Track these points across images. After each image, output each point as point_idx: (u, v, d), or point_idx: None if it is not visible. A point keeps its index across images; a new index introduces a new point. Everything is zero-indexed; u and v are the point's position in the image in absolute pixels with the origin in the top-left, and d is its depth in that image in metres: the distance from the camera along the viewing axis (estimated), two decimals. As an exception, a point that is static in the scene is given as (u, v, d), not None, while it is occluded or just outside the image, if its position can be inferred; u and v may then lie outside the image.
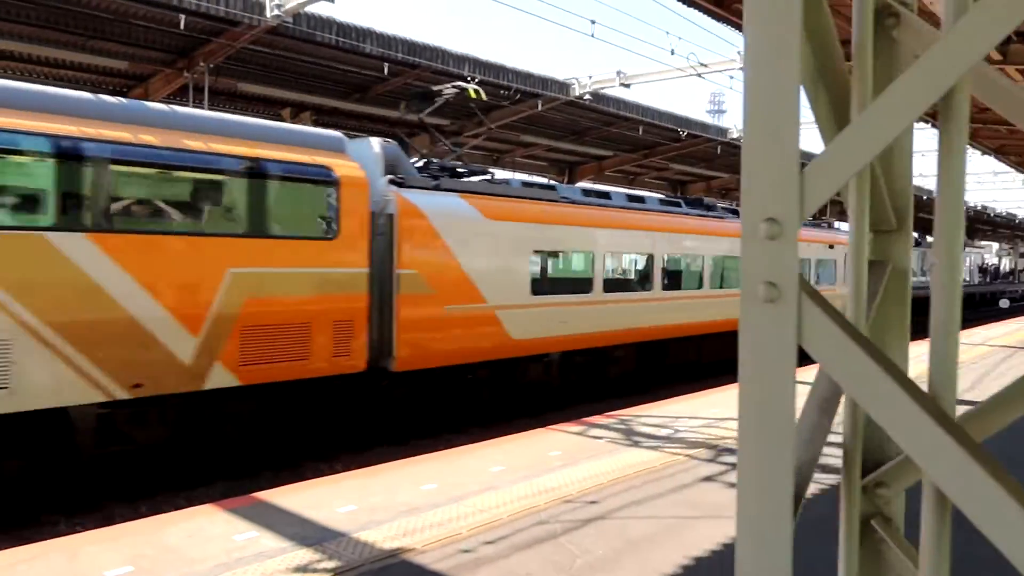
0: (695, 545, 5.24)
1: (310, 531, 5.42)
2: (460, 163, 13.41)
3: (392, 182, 10.62)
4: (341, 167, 9.73)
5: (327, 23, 14.32)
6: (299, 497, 6.17)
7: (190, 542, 5.20)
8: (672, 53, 13.94)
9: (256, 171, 8.94)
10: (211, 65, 15.11)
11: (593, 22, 12.34)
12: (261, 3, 13.16)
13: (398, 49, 15.36)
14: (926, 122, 18.90)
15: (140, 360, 7.97)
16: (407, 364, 10.49)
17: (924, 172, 34.49)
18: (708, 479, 6.79)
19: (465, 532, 5.41)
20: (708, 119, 28.38)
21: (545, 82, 18.33)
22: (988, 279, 50.66)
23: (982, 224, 45.43)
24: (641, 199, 15.75)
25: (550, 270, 13.21)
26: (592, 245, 13.55)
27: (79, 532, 8.25)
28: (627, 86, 18.27)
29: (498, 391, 12.31)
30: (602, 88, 18.66)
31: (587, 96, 18.64)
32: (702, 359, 16.44)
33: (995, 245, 61.10)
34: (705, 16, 11.44)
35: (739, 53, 16.68)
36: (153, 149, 8.04)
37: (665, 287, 15.14)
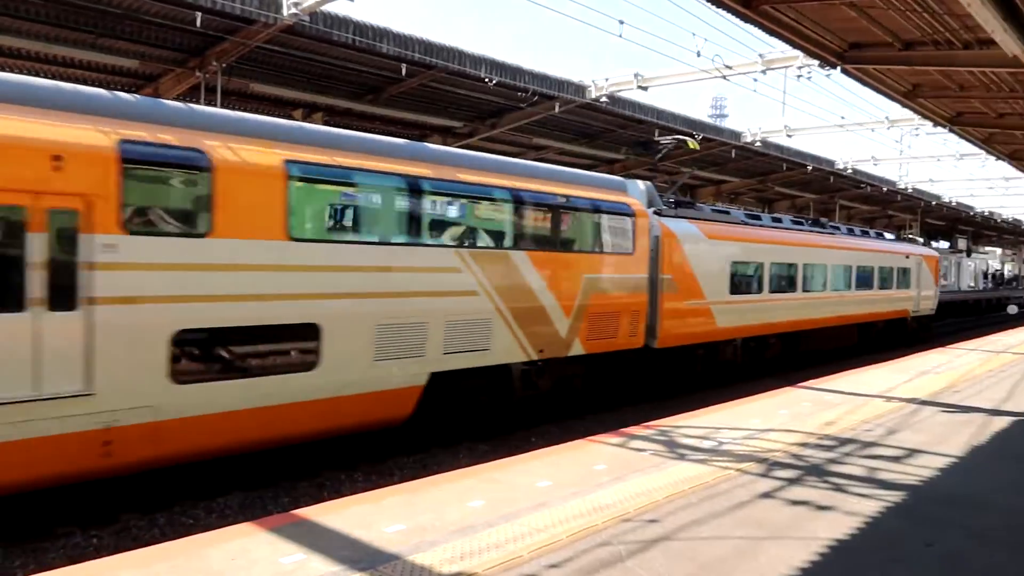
0: (772, 570, 4.93)
1: (360, 553, 5.10)
2: (678, 196, 17.38)
3: (656, 212, 14.48)
4: (634, 203, 13.64)
5: (343, 22, 14.00)
6: (342, 515, 5.83)
7: (234, 566, 4.87)
8: (699, 55, 13.66)
9: (595, 208, 12.71)
10: (224, 65, 14.80)
11: (622, 22, 12.08)
12: (278, 1, 12.84)
13: (415, 49, 15.05)
14: (943, 126, 18.67)
15: (543, 334, 11.64)
16: (664, 343, 14.15)
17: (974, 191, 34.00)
18: (767, 496, 6.48)
19: (526, 555, 5.09)
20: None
21: (561, 84, 18.04)
22: (993, 285, 50.51)
23: (988, 230, 45.23)
24: (779, 219, 19.83)
25: (739, 276, 16.68)
26: (763, 257, 17.52)
27: (95, 544, 8.00)
28: (644, 88, 17.99)
29: (708, 366, 16.02)
30: (619, 91, 18.38)
31: (603, 99, 18.35)
32: (823, 348, 20.62)
33: (998, 251, 61.03)
34: (734, 18, 11.16)
35: (760, 56, 16.44)
36: (550, 196, 11.97)
37: (803, 290, 19.09)
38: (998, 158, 23.67)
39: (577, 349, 12.26)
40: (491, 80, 16.09)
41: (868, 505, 6.24)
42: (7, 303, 6.71)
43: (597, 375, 13.27)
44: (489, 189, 11.02)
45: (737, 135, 23.41)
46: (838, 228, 22.88)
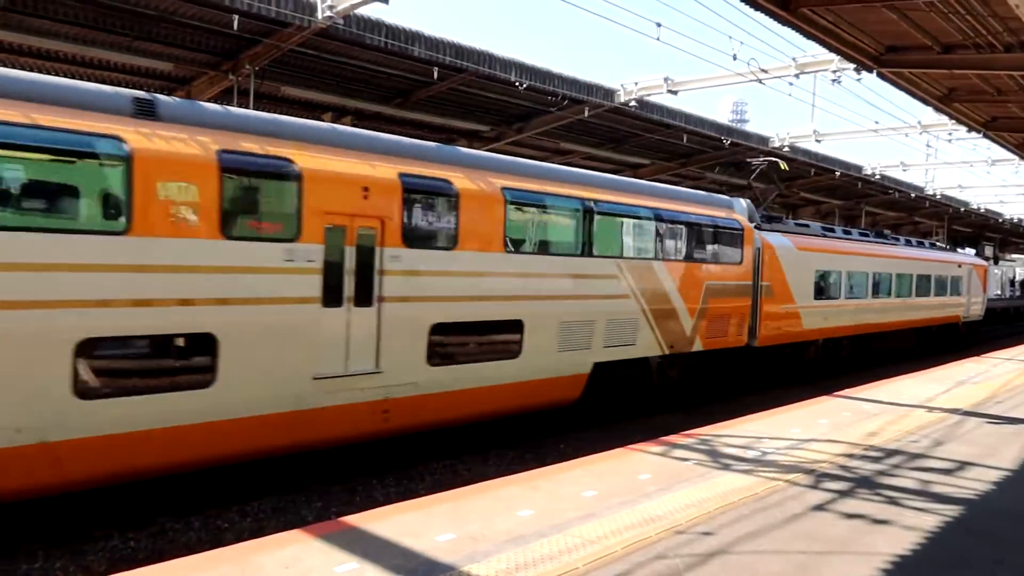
0: (836, 586, 4.81)
1: (414, 563, 5.02)
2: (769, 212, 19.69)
3: (756, 226, 16.27)
4: (741, 219, 15.62)
5: (376, 25, 13.98)
6: (390, 523, 5.76)
7: (288, 574, 4.81)
8: (735, 59, 13.50)
9: (714, 224, 14.73)
10: (257, 68, 14.83)
11: (659, 25, 11.96)
12: (312, 4, 12.84)
13: (446, 52, 15.00)
14: (978, 131, 18.39)
15: (673, 332, 13.49)
16: (762, 342, 15.97)
17: (1004, 198, 33.58)
18: (819, 508, 6.34)
19: (581, 567, 4.99)
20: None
21: (591, 88, 17.92)
22: (1021, 292, 49.81)
23: (1016, 238, 44.63)
24: (849, 231, 21.74)
25: (822, 283, 18.55)
26: (841, 266, 19.40)
27: (131, 547, 7.98)
28: (674, 93, 17.84)
29: (793, 364, 17.94)
30: (648, 95, 18.24)
31: (632, 103, 18.22)
32: (886, 349, 22.69)
33: (1022, 257, 60.20)
34: (771, 20, 11.02)
35: (794, 60, 16.26)
36: (682, 213, 13.99)
37: (872, 296, 20.97)
38: (1033, 164, 23.35)
39: (697, 346, 14.21)
40: (521, 84, 16.01)
41: (926, 520, 6.09)
42: (333, 300, 8.58)
43: (710, 369, 15.31)
44: (638, 209, 13.07)
45: (765, 140, 23.18)
46: (898, 240, 24.96)
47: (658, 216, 13.40)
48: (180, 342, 7.66)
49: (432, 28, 14.61)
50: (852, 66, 15.36)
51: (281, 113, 17.61)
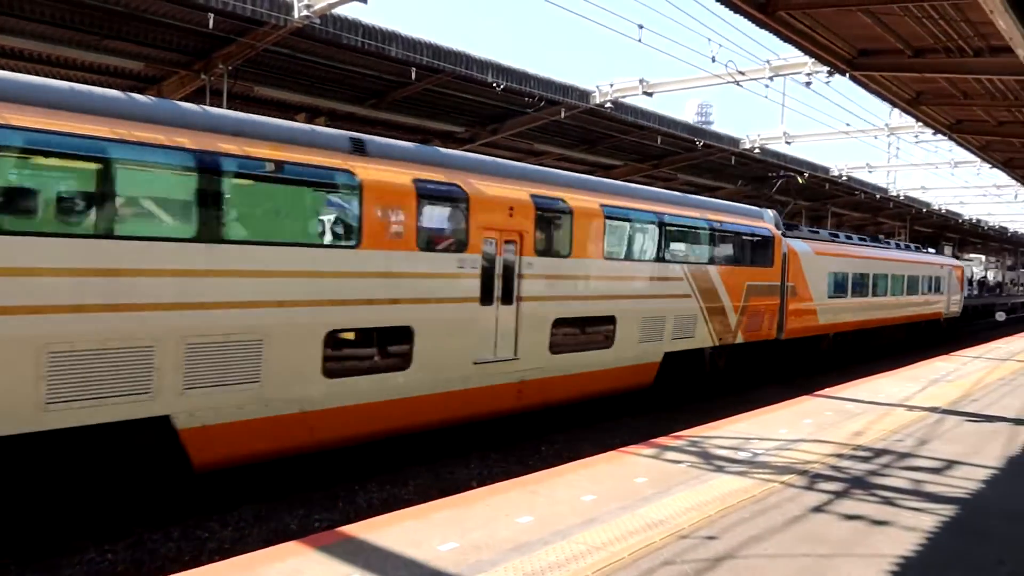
0: (846, 589, 4.80)
1: (418, 573, 4.90)
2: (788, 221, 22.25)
3: (783, 234, 18.57)
4: (771, 228, 17.99)
5: (353, 25, 13.78)
6: (389, 532, 5.63)
7: (292, 588, 4.67)
8: (714, 60, 13.55)
9: (752, 233, 17.11)
10: (230, 68, 14.53)
11: (641, 27, 11.96)
12: (288, 3, 12.61)
13: (423, 53, 14.84)
14: (944, 134, 18.74)
15: (722, 327, 15.55)
16: (788, 335, 18.30)
17: (964, 199, 34.34)
18: (818, 510, 6.35)
19: (590, 574, 4.92)
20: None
21: (566, 89, 17.89)
22: (979, 291, 51.04)
23: (974, 237, 45.66)
24: (851, 237, 24.79)
25: (834, 283, 20.79)
26: (848, 268, 21.78)
27: (109, 559, 7.74)
28: (650, 94, 17.89)
29: (809, 355, 20.31)
30: (623, 96, 18.26)
31: (608, 104, 18.23)
32: (881, 342, 25.36)
33: (982, 258, 61.66)
34: (749, 23, 11.08)
35: (767, 63, 16.39)
36: (730, 224, 16.28)
37: (872, 295, 23.55)
38: (993, 165, 23.86)
39: (739, 339, 16.29)
40: (499, 85, 15.92)
41: (924, 520, 6.13)
42: (486, 299, 10.63)
43: (748, 360, 17.45)
44: (698, 221, 15.23)
45: (736, 141, 23.38)
46: (888, 243, 27.52)
47: (711, 227, 15.70)
48: (389, 333, 9.61)
49: (407, 29, 14.42)
50: (825, 69, 15.66)
51: (255, 113, 17.40)
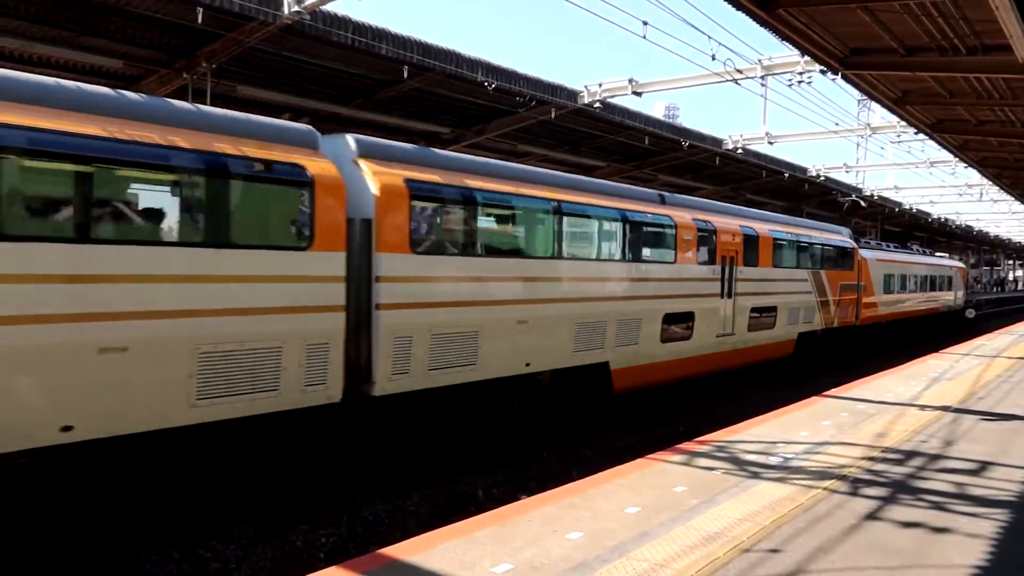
0: (933, 603, 4.56)
1: (480, 600, 4.55)
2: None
3: (858, 247, 24.28)
4: (851, 243, 23.37)
5: (343, 22, 13.35)
6: (436, 554, 5.25)
7: (346, 621, 4.28)
8: (713, 59, 13.36)
9: (842, 247, 22.53)
10: (214, 66, 13.98)
11: (645, 23, 11.72)
12: (278, -1, 12.14)
13: (413, 51, 14.46)
14: (926, 133, 18.84)
15: (827, 315, 20.86)
16: (861, 322, 23.79)
17: (934, 198, 35.19)
18: (873, 518, 6.12)
19: (663, 596, 4.62)
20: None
21: (555, 89, 17.62)
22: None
23: (940, 236, 46.42)
24: (888, 244, 31.21)
25: (886, 283, 27.02)
26: (894, 271, 28.02)
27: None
28: (639, 94, 17.70)
29: (870, 342, 26.09)
30: (612, 96, 18.05)
31: (597, 104, 18.00)
32: (914, 328, 31.89)
33: (945, 256, 62.71)
34: (753, 22, 10.95)
35: (759, 61, 16.30)
36: (831, 240, 21.90)
37: (908, 292, 29.88)
38: (968, 164, 24.17)
39: (835, 323, 21.73)
40: (490, 84, 15.58)
41: (983, 526, 5.93)
42: (720, 295, 15.76)
43: (840, 340, 22.81)
44: (815, 239, 21.04)
45: (719, 142, 23.32)
46: (914, 250, 34.95)
47: (823, 243, 21.57)
48: (684, 317, 14.48)
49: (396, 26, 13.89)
50: (815, 69, 15.64)
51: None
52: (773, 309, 17.96)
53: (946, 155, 25.52)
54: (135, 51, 13.70)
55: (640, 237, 13.98)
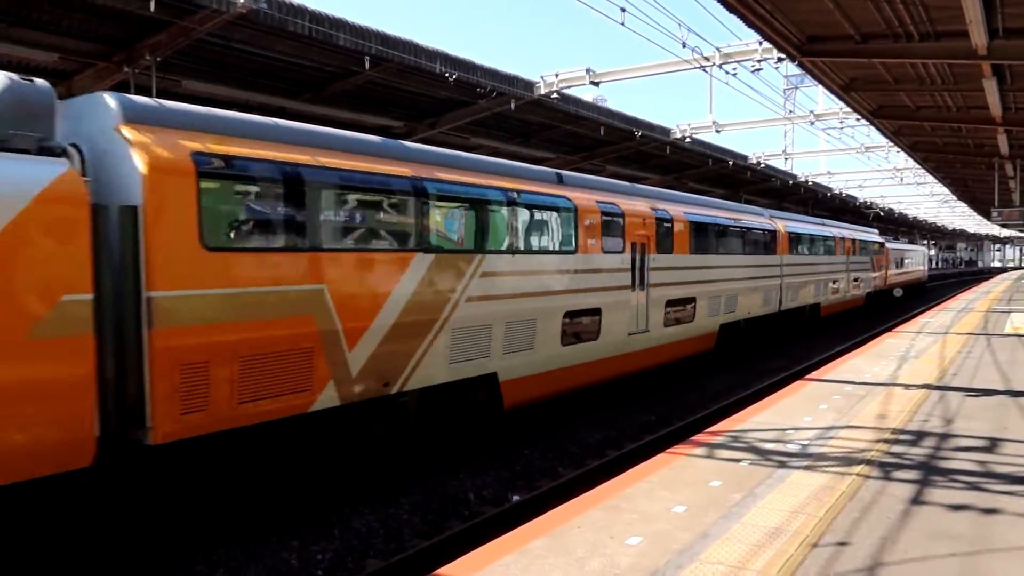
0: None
1: (566, 620, 4.21)
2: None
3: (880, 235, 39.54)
4: (879, 237, 37.97)
5: (299, 10, 12.71)
6: (497, 572, 4.88)
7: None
8: (684, 46, 13.28)
9: (879, 240, 36.95)
10: (158, 59, 13.11)
11: (623, 10, 11.49)
12: (231, -15, 11.44)
13: (373, 41, 13.91)
14: (867, 119, 19.31)
15: (873, 282, 34.99)
16: (887, 287, 38.47)
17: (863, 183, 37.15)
18: (919, 502, 6.04)
19: (755, 601, 4.37)
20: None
21: (512, 80, 17.31)
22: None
23: (862, 218, 48.11)
24: (890, 237, 48.74)
25: (896, 262, 40.95)
26: (896, 255, 41.38)
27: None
28: (596, 84, 17.56)
29: (888, 299, 39.33)
30: (569, 87, 17.84)
31: (554, 95, 17.76)
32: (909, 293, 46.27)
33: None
34: (723, 8, 10.96)
35: (718, 50, 16.34)
36: (870, 238, 35.75)
37: (904, 268, 44.13)
38: (900, 149, 25.01)
39: (875, 289, 35.16)
40: (451, 75, 15.15)
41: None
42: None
43: (877, 300, 35.54)
44: (865, 238, 33.02)
45: (667, 131, 23.43)
46: (899, 238, 49.53)
47: (863, 240, 32.25)
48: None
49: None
50: (775, 55, 15.81)
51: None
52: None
53: (873, 141, 26.55)
54: (71, 43, 12.73)
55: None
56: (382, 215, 9.73)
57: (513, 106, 17.47)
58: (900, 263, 41.14)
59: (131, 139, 6.75)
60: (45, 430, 5.88)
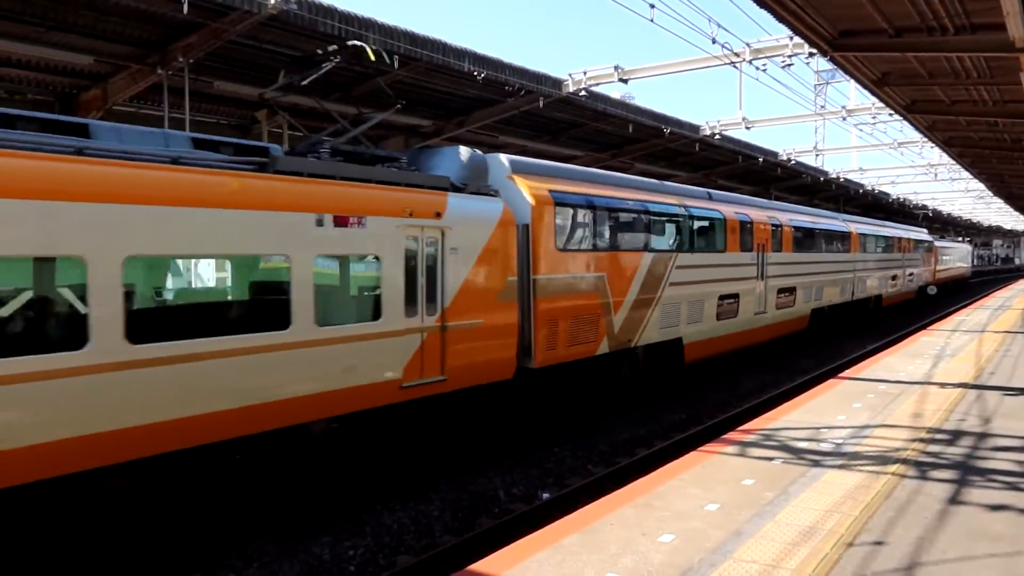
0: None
1: (599, 617, 4.21)
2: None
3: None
4: (928, 236, 41.71)
5: (328, 11, 12.81)
6: (531, 568, 4.89)
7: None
8: (714, 42, 13.17)
9: (928, 240, 39.66)
10: (191, 60, 13.28)
11: (652, 6, 11.43)
12: (261, -13, 11.54)
13: (401, 40, 13.98)
14: (901, 114, 19.02)
15: (928, 276, 39.14)
16: (936, 282, 40.68)
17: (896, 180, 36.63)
18: (955, 502, 5.95)
19: (791, 600, 4.33)
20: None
21: (540, 78, 17.27)
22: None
23: (899, 216, 47.38)
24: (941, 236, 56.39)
25: (941, 260, 43.99)
26: (943, 254, 45.40)
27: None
28: (625, 81, 17.46)
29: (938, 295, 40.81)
30: (597, 84, 17.76)
31: (583, 93, 17.70)
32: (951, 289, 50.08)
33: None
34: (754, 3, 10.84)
35: (748, 45, 16.17)
36: (924, 237, 39.65)
37: (947, 264, 48.01)
38: (934, 144, 24.57)
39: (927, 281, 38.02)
40: (480, 74, 15.16)
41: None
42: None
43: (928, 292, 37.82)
44: (918, 239, 36.29)
45: (696, 128, 23.24)
46: (944, 237, 54.94)
47: (916, 239, 34.49)
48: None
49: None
50: (806, 51, 15.62)
51: (212, 111, 16.22)
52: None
53: (906, 137, 26.09)
54: (106, 46, 12.93)
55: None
56: (631, 226, 13.83)
57: (542, 104, 17.43)
58: (946, 260, 45.27)
59: (519, 184, 11.18)
60: (501, 354, 10.42)
